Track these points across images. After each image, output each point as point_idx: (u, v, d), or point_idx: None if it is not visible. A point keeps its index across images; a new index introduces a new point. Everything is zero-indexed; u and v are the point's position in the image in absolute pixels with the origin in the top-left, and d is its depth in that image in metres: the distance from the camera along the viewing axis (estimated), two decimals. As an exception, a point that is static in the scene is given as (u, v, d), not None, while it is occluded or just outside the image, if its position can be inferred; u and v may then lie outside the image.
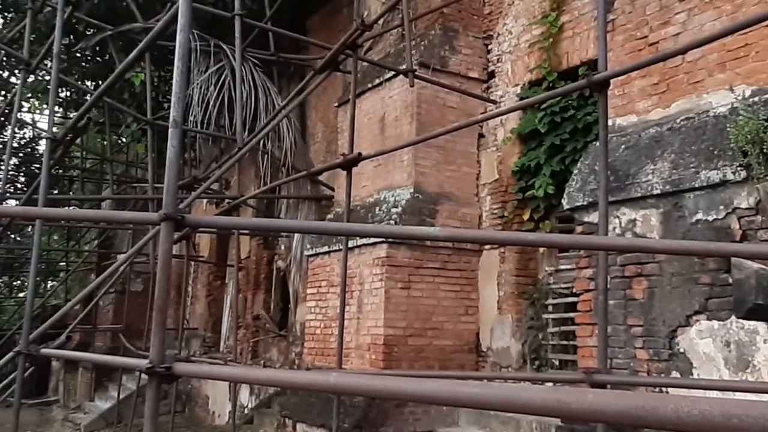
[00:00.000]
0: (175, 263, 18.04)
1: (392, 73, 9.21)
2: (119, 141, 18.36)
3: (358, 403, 7.83)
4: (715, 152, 5.77)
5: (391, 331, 8.17)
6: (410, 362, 8.15)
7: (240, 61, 8.19)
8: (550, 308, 8.18)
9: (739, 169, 5.48)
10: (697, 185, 5.71)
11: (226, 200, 11.50)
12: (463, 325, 8.74)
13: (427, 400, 2.04)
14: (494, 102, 9.37)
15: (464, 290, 8.83)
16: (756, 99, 5.81)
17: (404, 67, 8.69)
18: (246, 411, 11.80)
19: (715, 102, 6.17)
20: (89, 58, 15.02)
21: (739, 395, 4.24)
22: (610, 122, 6.96)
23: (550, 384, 6.78)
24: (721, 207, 5.53)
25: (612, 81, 7.09)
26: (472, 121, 7.06)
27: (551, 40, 8.70)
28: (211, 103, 10.54)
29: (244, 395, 12.07)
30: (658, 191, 5.98)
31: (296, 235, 11.50)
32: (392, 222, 8.47)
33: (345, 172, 7.72)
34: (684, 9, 6.67)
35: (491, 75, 9.71)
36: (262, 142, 10.72)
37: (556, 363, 8.08)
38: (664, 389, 5.54)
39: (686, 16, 6.64)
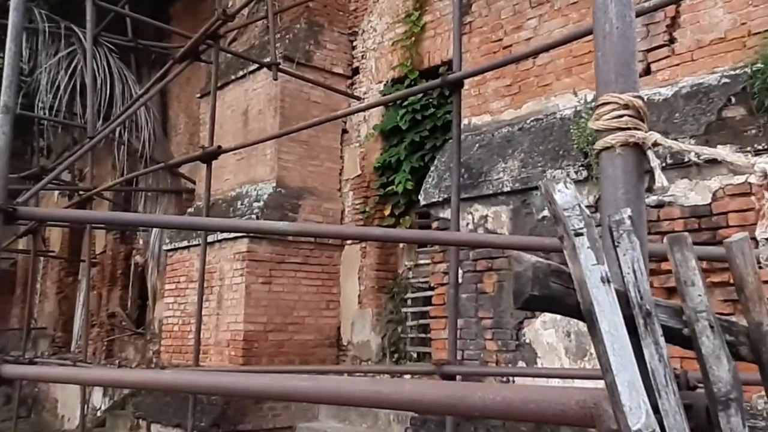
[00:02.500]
0: (21, 258, 16.93)
1: (256, 65, 9.08)
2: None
3: (215, 401, 7.66)
4: (561, 152, 6.09)
5: (252, 327, 8.05)
6: (271, 358, 8.07)
7: (92, 45, 7.77)
8: (409, 302, 8.35)
9: (581, 168, 5.83)
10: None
11: (78, 192, 10.88)
12: (324, 320, 8.76)
13: (255, 394, 2.01)
14: (358, 98, 9.43)
15: (326, 285, 8.85)
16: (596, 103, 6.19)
17: (268, 60, 8.60)
18: (98, 413, 11.24)
19: (561, 105, 6.51)
20: None
21: (578, 382, 4.51)
22: (466, 121, 7.21)
23: (408, 376, 6.94)
24: (564, 204, 5.85)
25: (468, 81, 7.38)
26: (333, 116, 7.09)
27: (414, 39, 8.87)
28: (62, 89, 9.94)
29: (97, 397, 11.50)
30: (509, 189, 6.25)
31: (154, 229, 11.08)
32: (254, 216, 8.35)
33: (205, 165, 7.55)
34: (535, 15, 6.99)
35: (356, 71, 9.78)
36: (118, 131, 10.25)
37: (415, 356, 8.26)
38: (511, 378, 5.82)
39: (537, 21, 6.97)
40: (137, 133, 11.12)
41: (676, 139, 5.54)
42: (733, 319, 4.38)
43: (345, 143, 9.59)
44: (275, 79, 8.49)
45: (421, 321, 8.07)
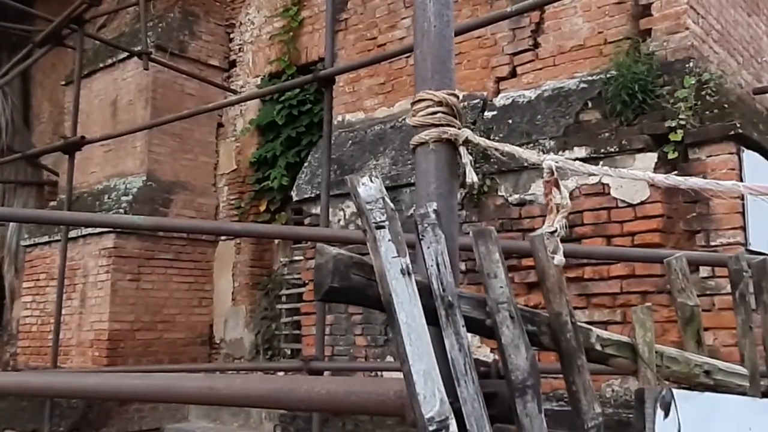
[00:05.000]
0: None
1: (126, 54, 8.73)
2: None
3: (76, 404, 7.31)
4: (430, 151, 6.22)
5: (117, 326, 7.74)
6: (138, 358, 7.79)
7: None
8: (283, 298, 8.28)
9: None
10: (412, 180, 6.11)
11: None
12: (196, 317, 8.55)
13: (85, 394, 1.92)
14: (234, 92, 9.26)
15: (199, 281, 8.64)
16: (465, 103, 6.37)
17: (139, 48, 8.30)
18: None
19: (432, 104, 6.65)
20: None
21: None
22: (340, 118, 7.24)
23: (281, 373, 6.88)
24: (432, 202, 5.98)
25: (344, 79, 7.42)
26: (207, 108, 6.95)
27: (292, 34, 8.80)
28: None
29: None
30: (379, 186, 6.31)
31: (12, 223, 10.42)
32: (121, 211, 8.02)
33: (67, 156, 7.18)
34: (409, 15, 7.10)
35: (232, 64, 9.60)
36: (-28, 118, 9.56)
37: (289, 352, 8.20)
38: (379, 373, 5.88)
39: (411, 21, 7.08)
40: (-7, 121, 10.42)
41: (537, 140, 5.80)
42: (588, 312, 4.59)
43: (220, 137, 9.39)
44: (146, 69, 8.21)
45: (296, 317, 8.02)
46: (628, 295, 5.02)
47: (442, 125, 1.44)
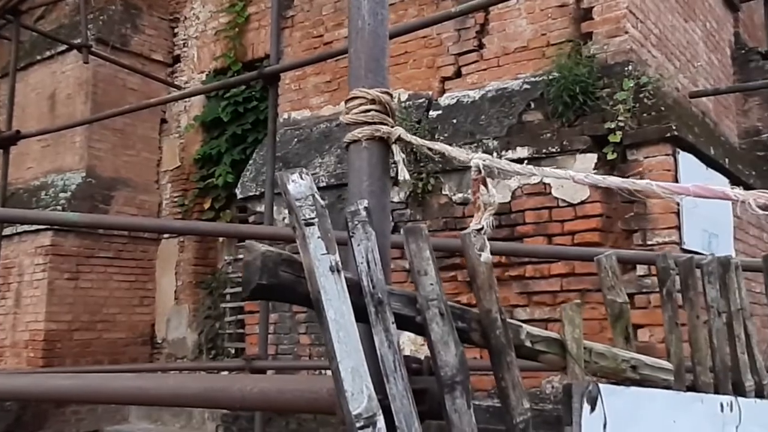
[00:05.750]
0: None
1: (66, 46, 8.50)
2: None
3: (10, 407, 7.08)
4: (375, 149, 6.23)
5: (54, 326, 7.53)
6: (76, 358, 7.59)
7: None
8: (228, 297, 8.19)
9: (392, 165, 5.98)
10: (357, 179, 6.12)
11: None
12: (137, 317, 8.39)
13: (18, 396, 1.87)
14: (178, 87, 9.10)
15: (140, 280, 8.47)
16: (410, 103, 6.40)
17: (79, 41, 8.09)
18: None
19: (377, 103, 6.66)
20: None
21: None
22: (286, 115, 7.19)
23: (226, 373, 6.80)
24: (376, 200, 5.99)
25: (290, 76, 7.37)
26: (150, 103, 6.83)
27: (238, 29, 8.70)
28: None
29: None
30: (324, 184, 6.29)
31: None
32: (59, 208, 7.82)
33: (1, 151, 6.96)
34: (355, 14, 7.09)
35: (177, 59, 9.43)
36: None
37: (233, 352, 8.11)
38: (323, 371, 5.86)
39: (357, 20, 7.08)
40: None
41: (481, 140, 5.86)
42: (529, 310, 4.64)
43: (164, 133, 9.23)
44: (86, 63, 8.01)
45: (240, 316, 7.94)
46: (568, 293, 5.12)
47: (374, 123, 1.44)
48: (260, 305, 5.57)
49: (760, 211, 1.25)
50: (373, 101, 1.45)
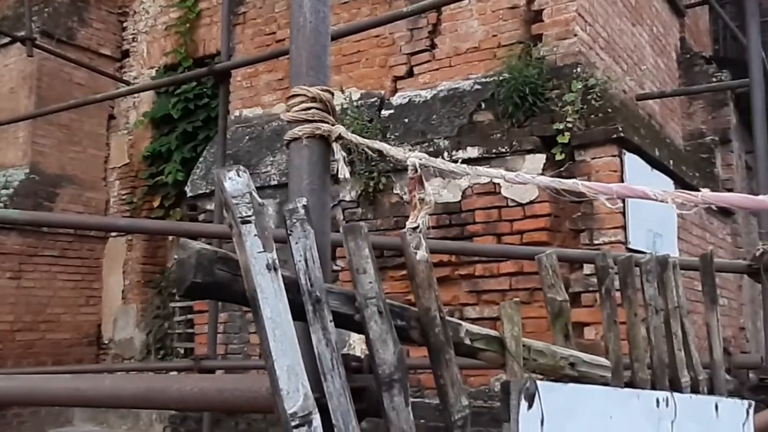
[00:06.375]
0: None
1: (8, 39, 8.27)
2: None
3: (-52, 410, 6.87)
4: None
5: (-5, 327, 7.32)
6: (18, 359, 7.40)
7: None
8: (177, 296, 8.07)
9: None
10: (309, 178, 6.09)
11: None
12: (83, 317, 8.21)
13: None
14: (127, 83, 8.93)
15: (86, 279, 8.29)
16: (363, 102, 6.40)
17: (23, 33, 7.87)
18: None
19: (329, 101, 6.64)
20: None
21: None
22: (237, 113, 7.12)
23: (175, 373, 6.69)
24: (328, 199, 5.98)
25: (242, 73, 7.31)
26: (94, 99, 6.71)
27: (189, 25, 8.58)
28: None
29: None
30: (276, 182, 6.26)
31: None
32: (1, 205, 7.60)
33: (-60, 146, 6.73)
34: (308, 11, 7.05)
35: (125, 54, 9.26)
36: None
37: (182, 352, 8.00)
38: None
39: (310, 18, 7.04)
40: None
41: (432, 140, 5.89)
42: (478, 308, 4.68)
43: (112, 130, 9.05)
44: (30, 56, 7.80)
45: (189, 316, 7.83)
46: (516, 291, 5.18)
47: (315, 121, 1.43)
48: (209, 305, 5.51)
49: (686, 211, 1.28)
50: (314, 99, 1.45)
